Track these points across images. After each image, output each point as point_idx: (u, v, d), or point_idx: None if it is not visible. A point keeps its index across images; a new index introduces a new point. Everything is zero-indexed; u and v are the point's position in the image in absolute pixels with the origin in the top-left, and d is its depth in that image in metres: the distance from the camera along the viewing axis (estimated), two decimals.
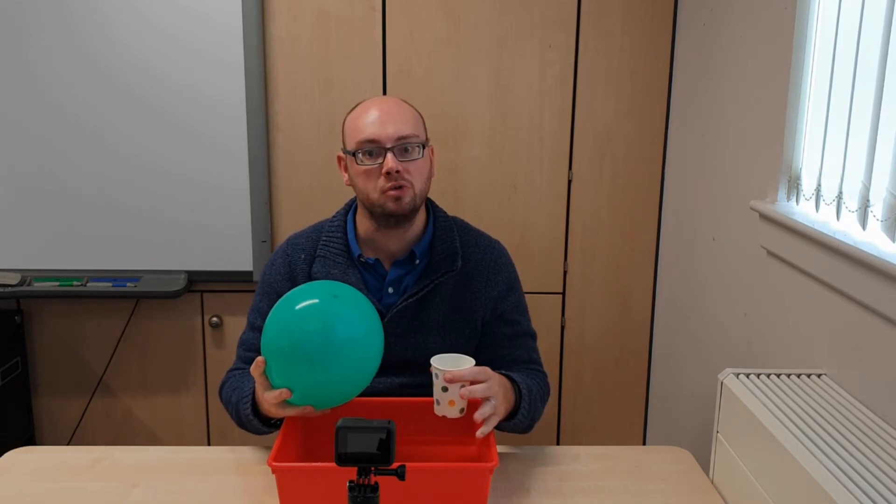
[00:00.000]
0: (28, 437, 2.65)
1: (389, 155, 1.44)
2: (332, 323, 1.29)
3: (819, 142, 1.57)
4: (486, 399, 1.34)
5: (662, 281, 2.57)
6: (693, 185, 2.28)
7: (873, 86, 1.36)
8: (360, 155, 1.46)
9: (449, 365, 1.36)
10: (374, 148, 1.45)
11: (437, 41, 2.44)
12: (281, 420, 1.41)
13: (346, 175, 1.53)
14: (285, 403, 1.32)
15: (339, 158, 1.55)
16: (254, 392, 1.41)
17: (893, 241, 1.31)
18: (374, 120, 1.46)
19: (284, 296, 1.35)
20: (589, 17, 2.43)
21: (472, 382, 1.33)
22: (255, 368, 1.31)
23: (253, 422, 1.43)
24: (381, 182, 1.45)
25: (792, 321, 1.65)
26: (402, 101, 1.52)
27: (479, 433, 1.33)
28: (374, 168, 1.45)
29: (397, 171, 1.43)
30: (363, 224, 1.55)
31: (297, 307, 1.31)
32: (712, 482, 1.49)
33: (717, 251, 2.09)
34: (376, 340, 1.34)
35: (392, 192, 1.45)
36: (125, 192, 2.44)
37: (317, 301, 1.31)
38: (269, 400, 1.31)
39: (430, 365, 1.36)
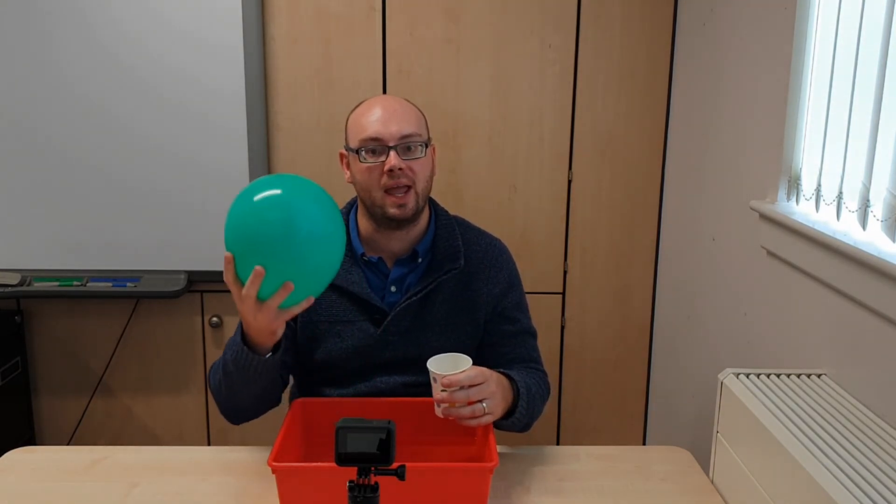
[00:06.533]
0: (28, 437, 2.65)
1: (392, 153, 1.44)
2: (293, 208, 1.24)
3: (819, 142, 1.57)
4: (480, 401, 1.34)
5: (662, 281, 2.57)
6: (693, 185, 2.28)
7: (873, 86, 1.36)
8: (363, 153, 1.46)
9: (447, 365, 1.36)
10: (377, 146, 1.46)
11: (437, 41, 2.44)
12: (274, 350, 1.37)
13: (348, 172, 1.54)
14: (260, 302, 1.25)
15: (342, 155, 1.55)
16: (243, 332, 1.35)
17: (893, 241, 1.31)
18: (377, 118, 1.46)
19: (238, 194, 1.29)
20: (589, 17, 2.43)
21: (470, 385, 1.33)
22: (227, 268, 1.25)
23: (242, 355, 1.34)
24: (384, 180, 1.45)
25: (792, 321, 1.65)
26: (405, 101, 1.53)
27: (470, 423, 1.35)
28: (376, 166, 1.46)
29: (400, 169, 1.44)
30: (364, 223, 1.56)
31: (256, 198, 1.25)
32: (712, 482, 1.49)
33: (717, 251, 2.09)
34: (337, 218, 1.30)
35: (394, 198, 1.45)
36: (125, 192, 2.44)
37: (277, 191, 1.26)
38: (246, 294, 1.24)
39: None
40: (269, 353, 1.37)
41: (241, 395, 1.43)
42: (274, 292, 1.24)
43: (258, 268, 1.22)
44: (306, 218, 1.24)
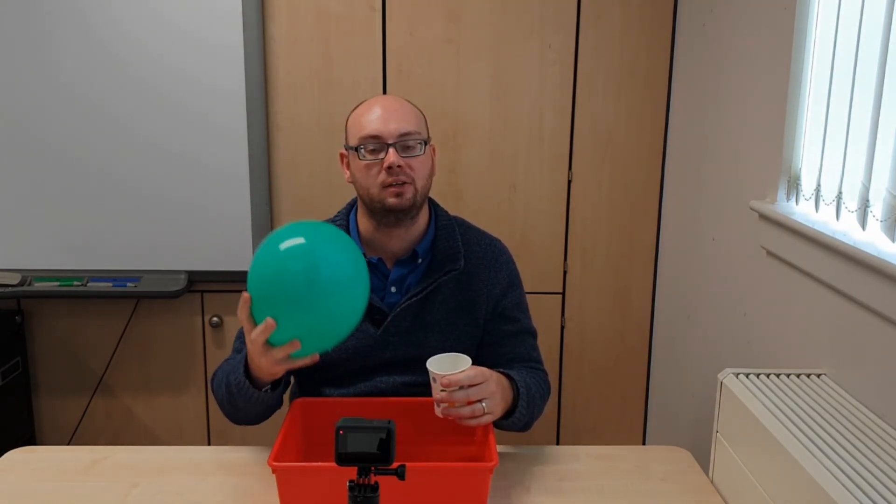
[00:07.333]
0: (28, 437, 2.65)
1: (391, 150, 1.45)
2: (317, 262, 1.25)
3: (819, 142, 1.57)
4: (480, 400, 1.34)
5: (662, 281, 2.57)
6: (693, 185, 2.28)
7: (873, 86, 1.36)
8: (362, 150, 1.47)
9: (446, 365, 1.36)
10: (376, 144, 1.46)
11: (437, 41, 2.44)
12: (274, 386, 1.39)
13: (348, 172, 1.54)
14: (269, 346, 1.27)
15: (342, 155, 1.56)
16: (246, 361, 1.37)
17: (893, 241, 1.31)
18: (377, 116, 1.47)
19: (269, 235, 1.31)
20: (589, 17, 2.43)
21: (470, 385, 1.34)
22: (242, 308, 1.28)
23: (244, 387, 1.37)
24: (383, 177, 1.46)
25: (792, 321, 1.65)
26: (404, 100, 1.53)
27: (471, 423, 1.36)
28: (375, 163, 1.46)
29: (399, 167, 1.44)
30: (364, 224, 1.56)
31: (282, 246, 1.27)
32: (712, 482, 1.49)
33: (716, 251, 2.09)
34: (362, 281, 1.30)
35: (393, 189, 1.45)
36: (126, 192, 2.44)
37: (302, 240, 1.27)
38: (256, 339, 1.26)
39: None
40: (269, 387, 1.40)
41: (242, 411, 1.46)
42: (283, 341, 1.27)
43: (269, 320, 1.24)
44: (329, 275, 1.25)
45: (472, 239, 1.61)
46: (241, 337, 1.58)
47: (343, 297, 1.26)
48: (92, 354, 2.64)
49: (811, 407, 1.35)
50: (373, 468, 1.01)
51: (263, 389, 1.39)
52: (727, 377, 1.48)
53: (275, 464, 1.24)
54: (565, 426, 2.72)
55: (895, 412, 1.29)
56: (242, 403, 1.42)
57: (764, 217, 1.74)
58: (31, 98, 2.38)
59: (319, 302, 1.24)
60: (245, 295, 1.27)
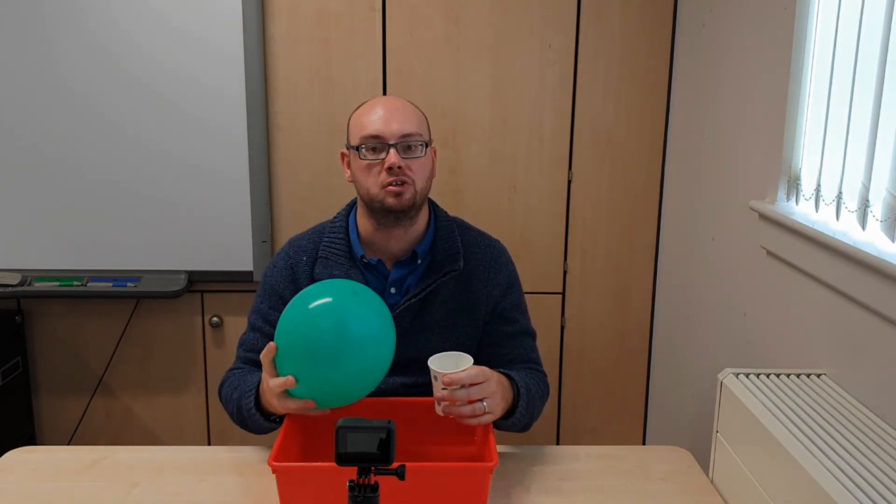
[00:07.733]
0: (28, 437, 2.65)
1: (392, 150, 1.45)
2: (345, 321, 1.30)
3: (819, 142, 1.57)
4: (480, 400, 1.35)
5: (662, 281, 2.57)
6: (693, 185, 2.28)
7: (873, 86, 1.36)
8: (363, 150, 1.47)
9: (447, 363, 1.36)
10: (377, 144, 1.46)
11: (437, 41, 2.44)
12: (282, 417, 1.42)
13: (349, 171, 1.54)
14: (287, 395, 1.32)
15: (343, 155, 1.56)
16: (258, 387, 1.42)
17: (893, 241, 1.31)
18: (379, 117, 1.47)
19: (302, 291, 1.37)
20: (589, 17, 2.43)
21: (471, 383, 1.34)
22: (266, 354, 1.32)
23: (254, 416, 1.43)
24: (383, 177, 1.46)
25: (792, 321, 1.65)
26: (407, 101, 1.53)
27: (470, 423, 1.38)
28: (376, 163, 1.47)
29: (399, 167, 1.45)
30: (364, 224, 1.56)
31: (312, 305, 1.32)
32: (712, 482, 1.49)
33: (716, 251, 2.09)
34: (388, 342, 1.35)
35: (392, 188, 1.45)
36: (126, 192, 2.44)
37: (331, 299, 1.33)
38: (273, 388, 1.32)
39: None
40: (275, 417, 1.45)
41: (250, 428, 1.50)
42: (301, 395, 1.32)
43: (291, 378, 1.30)
44: (354, 340, 1.30)
45: (471, 240, 1.61)
46: (244, 344, 1.59)
47: (361, 363, 1.31)
48: (92, 354, 2.64)
49: (811, 407, 1.35)
50: (373, 468, 1.01)
51: (272, 419, 1.45)
52: (727, 377, 1.48)
53: (275, 464, 1.24)
54: (565, 426, 2.72)
55: (895, 412, 1.29)
56: (252, 424, 1.47)
57: (764, 217, 1.74)
58: (31, 99, 2.38)
59: (341, 363, 1.29)
60: (271, 344, 1.32)
